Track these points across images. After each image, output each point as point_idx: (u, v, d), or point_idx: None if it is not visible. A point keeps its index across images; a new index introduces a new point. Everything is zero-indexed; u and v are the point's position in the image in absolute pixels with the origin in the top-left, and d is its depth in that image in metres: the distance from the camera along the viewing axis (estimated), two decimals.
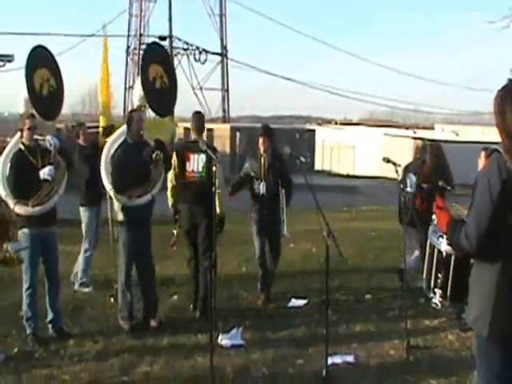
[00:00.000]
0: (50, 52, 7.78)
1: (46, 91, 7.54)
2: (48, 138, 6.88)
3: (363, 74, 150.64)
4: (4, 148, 7.06)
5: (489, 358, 3.85)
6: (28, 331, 6.95)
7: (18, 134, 6.95)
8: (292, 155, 7.66)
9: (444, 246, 7.04)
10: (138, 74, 8.63)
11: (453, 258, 6.97)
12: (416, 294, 8.39)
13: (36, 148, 6.87)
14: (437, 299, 7.22)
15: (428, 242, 7.56)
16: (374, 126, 46.45)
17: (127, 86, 47.64)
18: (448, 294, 7.07)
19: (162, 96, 8.37)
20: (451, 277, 7.00)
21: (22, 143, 6.89)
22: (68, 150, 7.22)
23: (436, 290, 7.20)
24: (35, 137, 6.86)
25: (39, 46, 7.61)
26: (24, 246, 6.32)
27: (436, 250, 7.24)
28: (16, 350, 6.70)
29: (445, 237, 7.01)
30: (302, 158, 7.92)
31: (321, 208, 6.20)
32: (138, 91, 8.34)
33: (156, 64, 8.35)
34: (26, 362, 6.36)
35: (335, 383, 5.79)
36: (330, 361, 6.05)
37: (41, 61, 7.57)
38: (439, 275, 7.16)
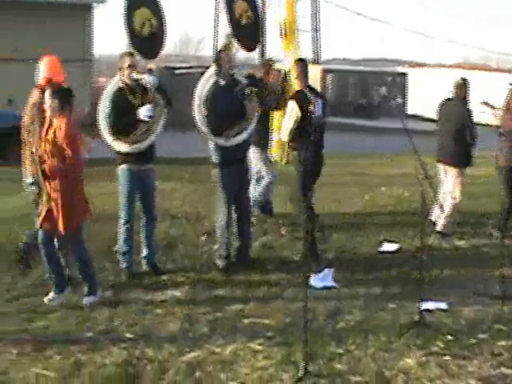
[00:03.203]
0: None
1: (147, 31, 7.55)
2: (146, 76, 6.90)
3: (457, 20, 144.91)
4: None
5: None
6: (123, 265, 7.11)
7: (119, 72, 6.99)
8: (387, 97, 7.49)
9: None
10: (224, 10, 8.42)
11: None
12: None
13: (135, 87, 6.91)
14: None
15: None
16: (470, 69, 44.76)
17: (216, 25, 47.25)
18: None
19: (248, 31, 8.34)
20: None
21: (122, 82, 6.93)
22: (166, 89, 7.20)
23: None
24: (135, 76, 6.89)
25: None
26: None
27: None
28: (111, 283, 6.88)
29: None
30: (399, 99, 7.75)
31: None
32: (223, 29, 8.36)
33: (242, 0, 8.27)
34: (120, 296, 6.54)
35: (428, 329, 5.67)
36: (422, 306, 5.95)
37: (141, 0, 7.57)
38: None
